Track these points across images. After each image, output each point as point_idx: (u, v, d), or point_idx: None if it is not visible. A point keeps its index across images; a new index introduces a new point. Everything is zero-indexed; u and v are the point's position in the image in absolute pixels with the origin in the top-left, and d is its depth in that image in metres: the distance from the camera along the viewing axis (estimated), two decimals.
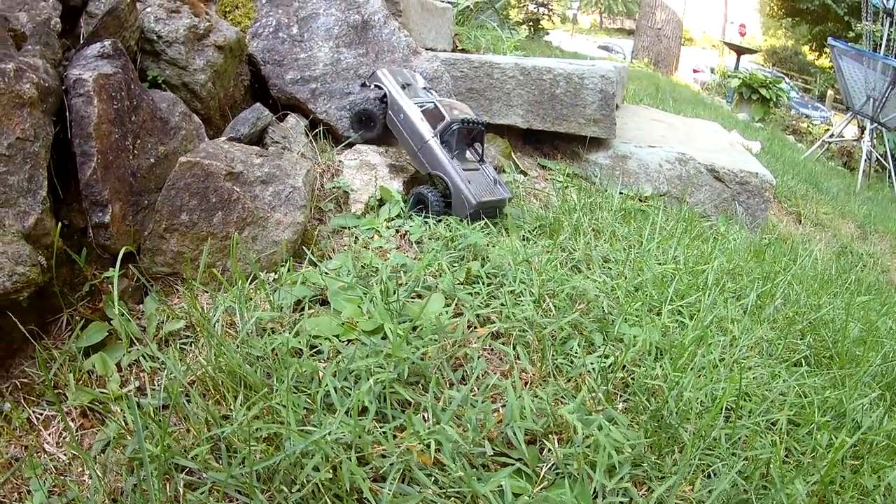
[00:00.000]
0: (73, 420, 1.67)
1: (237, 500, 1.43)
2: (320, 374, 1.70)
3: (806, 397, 2.08)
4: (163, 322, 1.96)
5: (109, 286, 1.92)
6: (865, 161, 11.02)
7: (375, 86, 2.94)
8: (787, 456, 1.83)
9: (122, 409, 1.64)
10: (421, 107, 2.86)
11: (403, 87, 2.91)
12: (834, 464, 1.67)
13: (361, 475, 1.36)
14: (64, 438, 1.61)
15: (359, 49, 3.22)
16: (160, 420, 1.54)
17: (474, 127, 2.90)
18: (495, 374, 1.86)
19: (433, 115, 2.82)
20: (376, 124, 2.95)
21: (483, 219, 2.75)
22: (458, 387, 1.75)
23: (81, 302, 1.97)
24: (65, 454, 1.57)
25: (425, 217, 2.69)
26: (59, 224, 1.88)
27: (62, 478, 1.50)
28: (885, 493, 1.78)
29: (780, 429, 1.86)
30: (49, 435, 1.64)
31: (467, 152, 2.95)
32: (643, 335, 2.09)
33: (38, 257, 1.76)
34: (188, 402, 1.60)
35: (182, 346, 1.90)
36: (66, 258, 1.93)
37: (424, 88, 3.07)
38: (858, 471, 1.80)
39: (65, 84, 2.02)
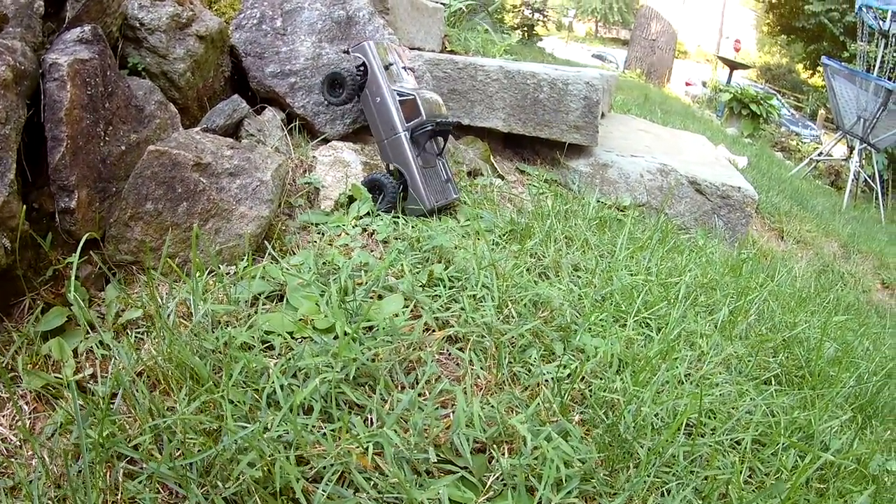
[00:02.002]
0: (27, 404, 1.65)
1: (174, 491, 1.42)
2: (270, 370, 1.67)
3: (773, 417, 2.06)
4: (122, 310, 1.94)
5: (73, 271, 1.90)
6: (853, 181, 11.06)
7: (357, 56, 2.89)
8: (750, 477, 1.81)
9: (72, 395, 1.63)
10: (400, 96, 2.82)
11: (387, 68, 2.87)
12: (797, 487, 1.64)
13: (295, 474, 1.34)
14: (17, 422, 1.59)
15: (341, 45, 3.20)
16: (105, 408, 1.52)
17: (445, 126, 2.89)
18: (449, 379, 1.84)
19: (410, 108, 2.80)
20: (343, 91, 2.88)
21: (434, 214, 2.79)
22: (408, 390, 1.73)
23: (45, 286, 1.95)
24: (16, 437, 1.56)
25: (379, 206, 2.69)
26: (26, 207, 1.85)
27: (11, 460, 1.49)
28: None
29: (745, 448, 1.83)
30: (3, 417, 1.62)
31: (429, 145, 2.95)
32: (605, 346, 2.06)
33: (2, 239, 1.74)
34: (140, 394, 1.58)
35: (138, 335, 1.87)
36: (32, 242, 1.91)
37: (406, 68, 3.04)
38: (824, 495, 1.79)
39: (42, 68, 1.99)
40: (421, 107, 2.79)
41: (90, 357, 1.81)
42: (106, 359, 1.77)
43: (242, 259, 2.16)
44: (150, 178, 2.11)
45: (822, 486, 1.86)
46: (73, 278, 1.80)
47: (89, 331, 1.84)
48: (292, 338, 1.85)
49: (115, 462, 1.43)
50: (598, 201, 3.70)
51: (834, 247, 6.41)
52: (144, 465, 1.42)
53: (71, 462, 1.44)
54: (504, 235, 2.80)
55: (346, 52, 2.96)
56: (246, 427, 1.45)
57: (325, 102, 3.02)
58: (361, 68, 2.87)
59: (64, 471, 1.42)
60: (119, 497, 1.37)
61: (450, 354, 1.98)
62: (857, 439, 2.09)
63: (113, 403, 1.60)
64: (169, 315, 1.84)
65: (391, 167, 2.82)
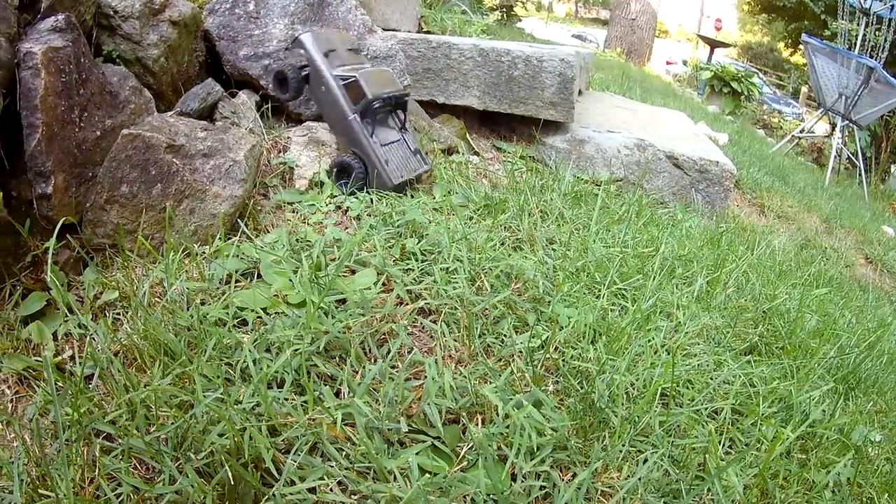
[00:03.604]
0: (9, 388, 1.67)
1: (150, 466, 1.43)
2: (243, 345, 1.69)
3: (753, 387, 2.06)
4: (100, 293, 1.96)
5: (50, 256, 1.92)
6: (835, 157, 11.09)
7: (298, 51, 2.88)
8: (730, 447, 1.81)
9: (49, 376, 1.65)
10: (343, 80, 2.80)
11: (327, 55, 2.85)
12: (773, 455, 1.65)
13: (265, 444, 1.36)
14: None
15: (314, 26, 3.21)
16: (82, 388, 1.54)
17: (399, 98, 2.90)
18: (421, 350, 1.86)
19: (355, 90, 2.78)
20: (289, 87, 2.85)
21: (405, 191, 2.81)
22: (379, 362, 1.74)
23: (24, 272, 1.97)
24: None
25: (349, 187, 2.71)
26: (3, 195, 1.87)
27: None
28: (835, 488, 1.78)
29: (723, 418, 1.83)
30: None
31: (390, 119, 2.95)
32: (578, 316, 2.07)
33: None
34: (117, 371, 1.60)
35: (115, 316, 1.89)
36: (11, 229, 1.92)
37: (350, 50, 3.02)
38: (806, 465, 1.79)
39: (17, 57, 2.01)
40: (365, 87, 2.77)
41: (69, 339, 1.82)
42: (84, 340, 1.78)
43: (217, 238, 2.18)
44: (125, 161, 2.12)
45: (803, 455, 1.86)
46: (50, 263, 1.81)
47: (68, 314, 1.86)
48: (266, 313, 1.87)
49: (93, 439, 1.45)
50: (575, 176, 3.71)
51: (816, 222, 6.42)
52: (120, 441, 1.44)
53: (50, 441, 1.46)
54: (478, 210, 2.81)
55: (287, 48, 2.96)
56: (219, 399, 1.47)
57: None
58: (304, 61, 2.86)
59: (43, 451, 1.43)
60: (96, 473, 1.38)
61: (422, 327, 1.99)
62: (838, 410, 2.10)
63: (90, 383, 1.62)
64: (143, 295, 1.86)
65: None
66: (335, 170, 2.76)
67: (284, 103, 3.05)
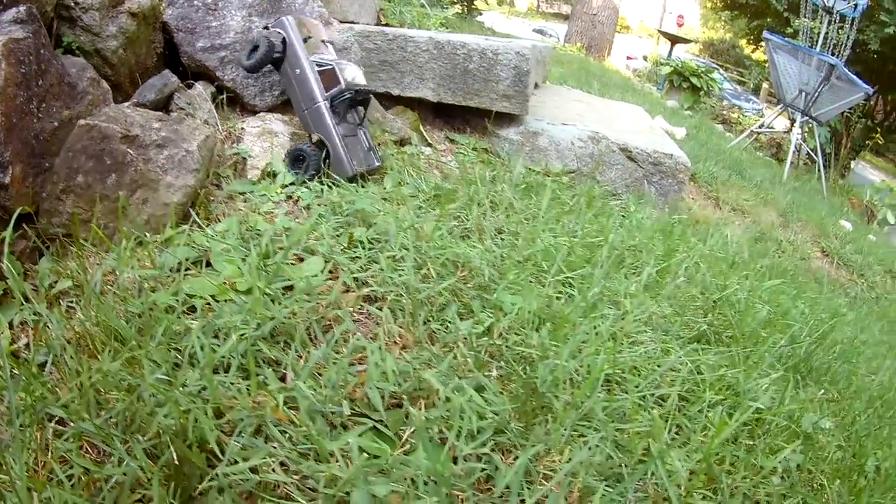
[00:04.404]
0: None
1: (101, 450, 1.47)
2: (192, 330, 1.72)
3: (700, 374, 2.09)
4: (55, 281, 1.98)
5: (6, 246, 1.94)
6: (794, 152, 11.24)
7: (277, 31, 2.91)
8: (677, 433, 1.84)
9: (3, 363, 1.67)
10: (318, 66, 2.87)
11: (305, 41, 2.91)
12: (719, 440, 1.68)
13: (210, 426, 1.40)
14: None
15: (271, 18, 3.23)
16: (36, 373, 1.57)
17: (365, 94, 2.96)
18: (365, 336, 1.90)
19: (329, 77, 2.85)
20: (255, 56, 2.86)
21: (357, 180, 2.86)
22: (322, 346, 1.78)
23: None
24: None
25: (304, 175, 2.76)
26: None
27: None
28: (784, 474, 1.82)
29: (670, 405, 1.85)
30: None
31: (349, 115, 3.00)
32: (522, 304, 2.10)
33: None
34: (69, 358, 1.63)
35: (69, 304, 1.92)
36: None
37: (324, 41, 3.08)
38: (753, 450, 1.82)
39: None
40: (340, 76, 2.85)
41: (24, 328, 1.85)
42: (39, 328, 1.80)
43: (169, 227, 2.21)
44: (81, 151, 2.15)
45: (751, 442, 1.89)
46: (7, 252, 1.84)
47: (24, 302, 1.87)
48: (214, 300, 1.90)
49: (46, 424, 1.48)
50: (528, 168, 3.76)
51: (773, 215, 6.49)
52: (72, 424, 1.47)
53: (5, 427, 1.48)
54: (428, 200, 2.84)
55: (266, 27, 2.99)
56: (167, 382, 1.51)
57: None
58: (281, 43, 2.89)
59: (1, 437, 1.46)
60: (49, 456, 1.42)
61: (368, 313, 2.03)
62: (788, 397, 2.12)
63: (44, 369, 1.65)
64: (96, 283, 1.89)
65: (313, 137, 2.86)
66: (291, 158, 2.81)
67: (246, 72, 3.03)
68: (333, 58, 2.99)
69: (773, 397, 2.11)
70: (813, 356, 2.60)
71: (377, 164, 3.01)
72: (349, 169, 2.78)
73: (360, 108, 3.04)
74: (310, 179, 2.75)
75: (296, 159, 2.79)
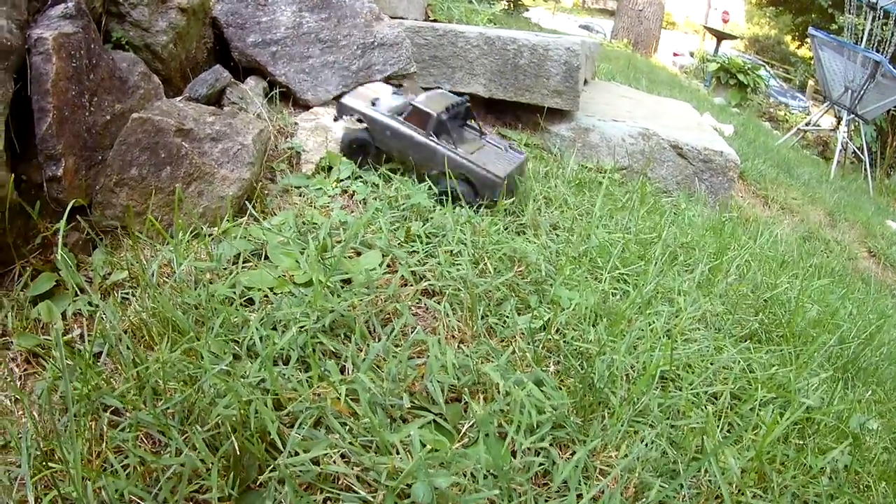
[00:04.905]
0: (17, 366, 1.70)
1: (157, 440, 1.46)
2: (250, 322, 1.72)
3: (752, 373, 2.07)
4: (109, 273, 1.99)
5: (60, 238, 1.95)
6: (840, 151, 11.06)
7: (347, 117, 2.81)
8: (728, 431, 1.83)
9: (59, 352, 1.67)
10: (400, 114, 2.73)
11: (374, 103, 2.80)
12: (769, 439, 1.66)
13: (271, 417, 1.39)
14: (9, 382, 1.63)
15: (321, 13, 3.23)
16: (91, 363, 1.56)
17: (459, 107, 2.82)
18: (424, 329, 1.88)
19: (418, 117, 2.69)
20: (367, 154, 2.79)
21: (513, 192, 2.69)
22: (383, 340, 1.77)
23: (34, 254, 1.99)
24: (8, 398, 1.59)
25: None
26: (15, 178, 1.89)
27: (4, 420, 1.52)
28: (832, 475, 1.79)
29: (722, 403, 1.85)
30: None
31: (465, 133, 2.86)
32: (579, 299, 2.09)
33: None
34: (125, 348, 1.63)
35: (124, 295, 1.92)
36: (21, 211, 1.95)
37: (394, 93, 2.97)
38: (803, 450, 1.80)
39: (27, 43, 2.03)
40: (424, 108, 2.67)
41: (78, 318, 1.85)
42: (93, 319, 1.80)
43: (225, 220, 2.21)
44: (134, 144, 2.15)
45: (800, 441, 1.87)
46: (60, 244, 1.84)
47: (78, 293, 1.88)
48: (272, 292, 1.90)
49: (101, 414, 1.47)
50: (579, 164, 3.73)
51: (820, 214, 6.40)
52: (128, 414, 1.46)
53: (59, 416, 1.48)
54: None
55: (335, 119, 2.90)
56: (226, 373, 1.50)
57: (306, 72, 3.05)
58: (360, 121, 2.79)
59: (52, 426, 1.45)
60: (104, 446, 1.41)
61: (426, 307, 2.02)
62: (836, 397, 2.10)
63: (99, 359, 1.65)
64: (152, 274, 1.89)
65: (439, 175, 2.68)
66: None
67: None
68: (404, 97, 2.90)
69: (823, 397, 2.08)
70: (861, 357, 2.56)
71: (522, 155, 2.83)
72: (496, 177, 2.60)
73: (471, 121, 2.91)
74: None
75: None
